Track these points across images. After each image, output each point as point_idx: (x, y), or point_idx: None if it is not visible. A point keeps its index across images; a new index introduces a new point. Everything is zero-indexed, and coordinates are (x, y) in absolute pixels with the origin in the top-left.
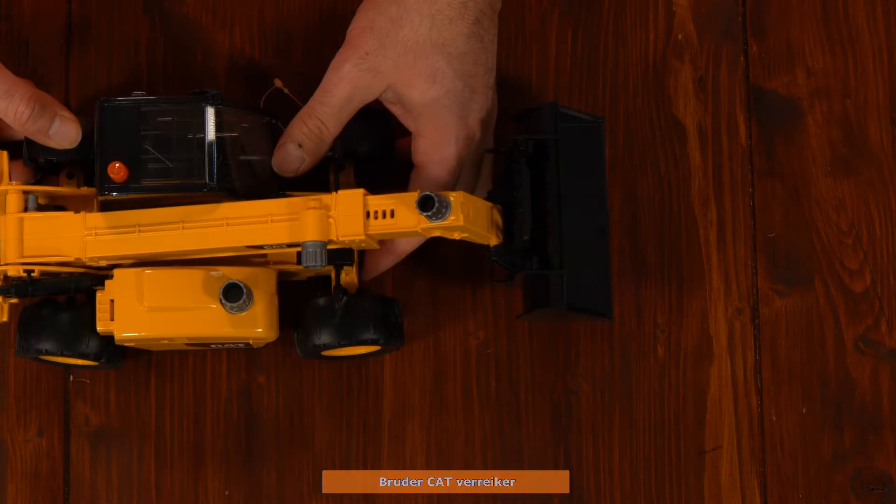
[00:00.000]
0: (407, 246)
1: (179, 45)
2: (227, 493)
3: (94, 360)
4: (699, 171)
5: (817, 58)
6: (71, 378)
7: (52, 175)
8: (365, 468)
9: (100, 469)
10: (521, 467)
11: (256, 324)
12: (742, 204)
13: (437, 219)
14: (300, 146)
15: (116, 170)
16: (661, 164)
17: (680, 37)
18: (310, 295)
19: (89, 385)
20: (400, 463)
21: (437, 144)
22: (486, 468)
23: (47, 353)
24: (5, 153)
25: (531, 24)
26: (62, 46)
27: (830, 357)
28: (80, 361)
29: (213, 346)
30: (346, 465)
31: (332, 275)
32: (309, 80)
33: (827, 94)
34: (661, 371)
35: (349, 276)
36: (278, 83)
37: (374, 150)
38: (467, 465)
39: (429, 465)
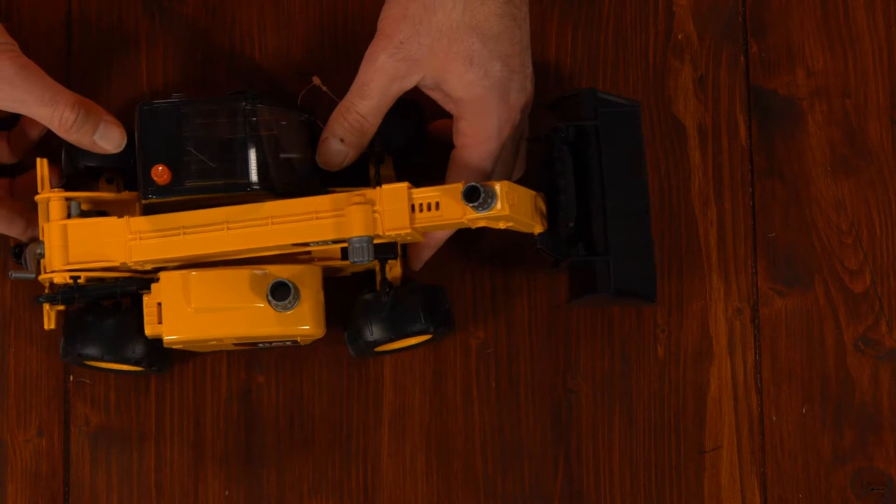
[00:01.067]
0: (442, 235)
1: (179, 45)
2: (227, 493)
3: (139, 364)
4: (699, 171)
5: (817, 58)
6: (71, 378)
7: (91, 181)
8: (365, 468)
9: (100, 469)
10: (521, 467)
11: (304, 321)
12: (742, 204)
13: (483, 209)
14: (342, 141)
15: (160, 172)
16: (661, 164)
17: (680, 37)
18: (354, 292)
19: (89, 385)
20: (400, 463)
21: (479, 126)
22: (486, 468)
23: (92, 358)
24: (45, 160)
25: (531, 24)
26: (62, 46)
27: (830, 357)
28: (125, 367)
29: (260, 345)
30: (346, 465)
31: (377, 269)
32: (308, 79)
33: (827, 94)
34: (661, 371)
35: (394, 269)
36: (316, 80)
37: (410, 141)
38: (467, 465)
39: (429, 465)
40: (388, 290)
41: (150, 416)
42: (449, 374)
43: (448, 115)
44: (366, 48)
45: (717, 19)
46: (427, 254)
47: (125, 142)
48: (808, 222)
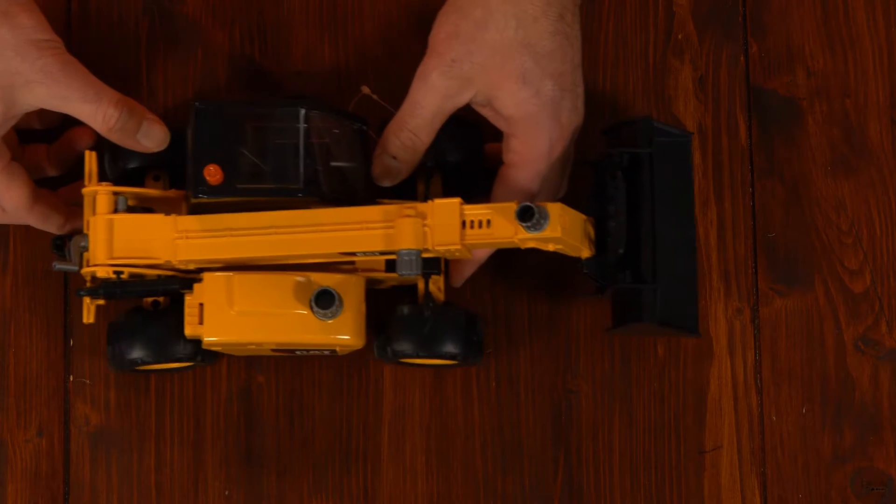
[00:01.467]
0: (484, 253)
1: (179, 45)
2: (227, 493)
3: (190, 360)
4: (699, 171)
5: (817, 58)
6: (71, 378)
7: (135, 182)
8: (365, 468)
9: (100, 469)
10: (521, 467)
11: (345, 331)
12: (742, 204)
13: (535, 230)
14: (395, 158)
15: (212, 172)
16: None
17: (680, 37)
18: (386, 301)
19: (89, 385)
20: (400, 463)
21: (531, 144)
22: (486, 468)
23: (143, 362)
24: (94, 154)
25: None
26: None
27: (830, 357)
28: (175, 365)
29: (298, 352)
30: (346, 466)
31: (420, 284)
32: (309, 80)
33: (827, 94)
34: (661, 371)
35: (436, 285)
36: (365, 90)
37: (464, 160)
38: (467, 465)
39: (429, 465)
40: (430, 304)
41: (150, 416)
42: (449, 374)
43: (499, 139)
44: (365, 48)
45: (717, 19)
46: (469, 271)
47: (168, 140)
48: (808, 222)
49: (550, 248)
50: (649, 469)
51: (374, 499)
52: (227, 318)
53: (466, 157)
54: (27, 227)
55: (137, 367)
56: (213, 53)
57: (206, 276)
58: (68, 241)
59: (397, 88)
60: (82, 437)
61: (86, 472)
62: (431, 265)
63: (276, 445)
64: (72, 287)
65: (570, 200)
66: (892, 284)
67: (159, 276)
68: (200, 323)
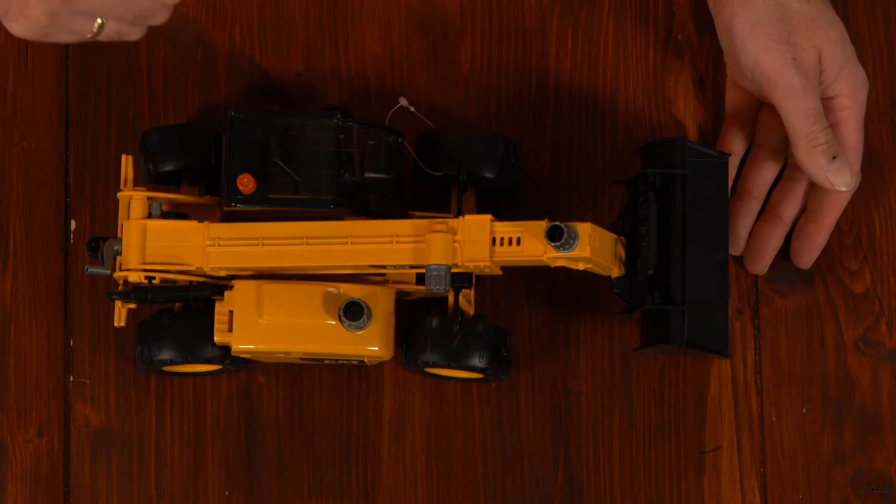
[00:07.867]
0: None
1: (179, 45)
2: (226, 493)
3: (219, 363)
4: None
5: None
6: (71, 378)
7: (174, 186)
8: (365, 468)
9: (100, 469)
10: (521, 467)
11: (373, 342)
12: None
13: (565, 249)
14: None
15: (245, 182)
16: None
17: (680, 37)
18: (416, 311)
19: (89, 385)
20: (400, 463)
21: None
22: (486, 468)
23: (171, 362)
24: (130, 157)
25: (531, 24)
26: (62, 47)
27: (830, 357)
28: (203, 367)
29: (326, 361)
30: (346, 466)
31: (450, 297)
32: (309, 79)
33: None
34: (661, 371)
35: (466, 298)
36: (403, 101)
37: (499, 175)
38: (467, 465)
39: (429, 466)
40: (458, 318)
41: (150, 416)
42: None
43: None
44: (365, 48)
45: None
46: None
47: None
48: None
49: (580, 267)
50: (649, 469)
51: (374, 499)
52: (256, 326)
53: (501, 172)
54: (27, 228)
55: (164, 369)
56: (213, 53)
57: (237, 283)
58: (102, 244)
59: (397, 89)
60: (82, 437)
61: (86, 472)
62: (462, 279)
63: (276, 446)
64: (71, 287)
65: (601, 219)
66: (892, 284)
67: (191, 281)
68: (230, 330)
